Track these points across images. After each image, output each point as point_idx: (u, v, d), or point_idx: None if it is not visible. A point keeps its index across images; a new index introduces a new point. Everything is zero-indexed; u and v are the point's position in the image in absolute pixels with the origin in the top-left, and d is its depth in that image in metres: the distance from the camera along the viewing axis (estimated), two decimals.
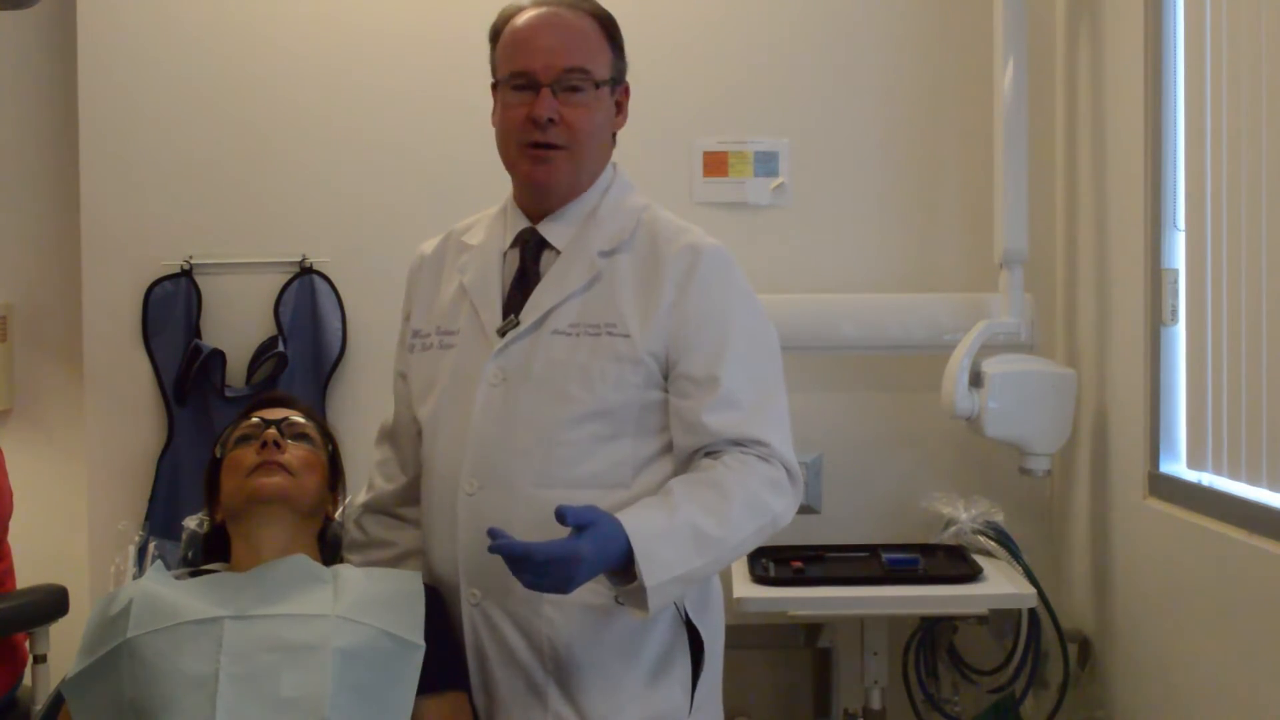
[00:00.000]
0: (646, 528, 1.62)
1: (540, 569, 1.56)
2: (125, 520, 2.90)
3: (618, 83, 1.87)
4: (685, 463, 1.78)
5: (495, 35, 1.86)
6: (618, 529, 1.60)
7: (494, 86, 1.86)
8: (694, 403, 1.75)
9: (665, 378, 1.79)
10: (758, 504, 1.72)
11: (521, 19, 1.82)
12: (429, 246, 2.00)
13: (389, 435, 2.01)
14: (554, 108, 1.77)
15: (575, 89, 1.79)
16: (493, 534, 1.57)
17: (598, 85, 1.81)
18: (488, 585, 1.76)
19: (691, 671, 1.81)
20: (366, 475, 2.05)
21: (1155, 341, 2.51)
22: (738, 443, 1.74)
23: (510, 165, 1.86)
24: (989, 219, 2.93)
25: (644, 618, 1.67)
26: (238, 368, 3.06)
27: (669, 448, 1.80)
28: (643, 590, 1.60)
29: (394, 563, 1.95)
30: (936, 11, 3.07)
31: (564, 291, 1.80)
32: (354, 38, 3.07)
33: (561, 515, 1.56)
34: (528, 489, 1.74)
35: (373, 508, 2.00)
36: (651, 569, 1.60)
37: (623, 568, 1.61)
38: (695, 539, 1.65)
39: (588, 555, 1.57)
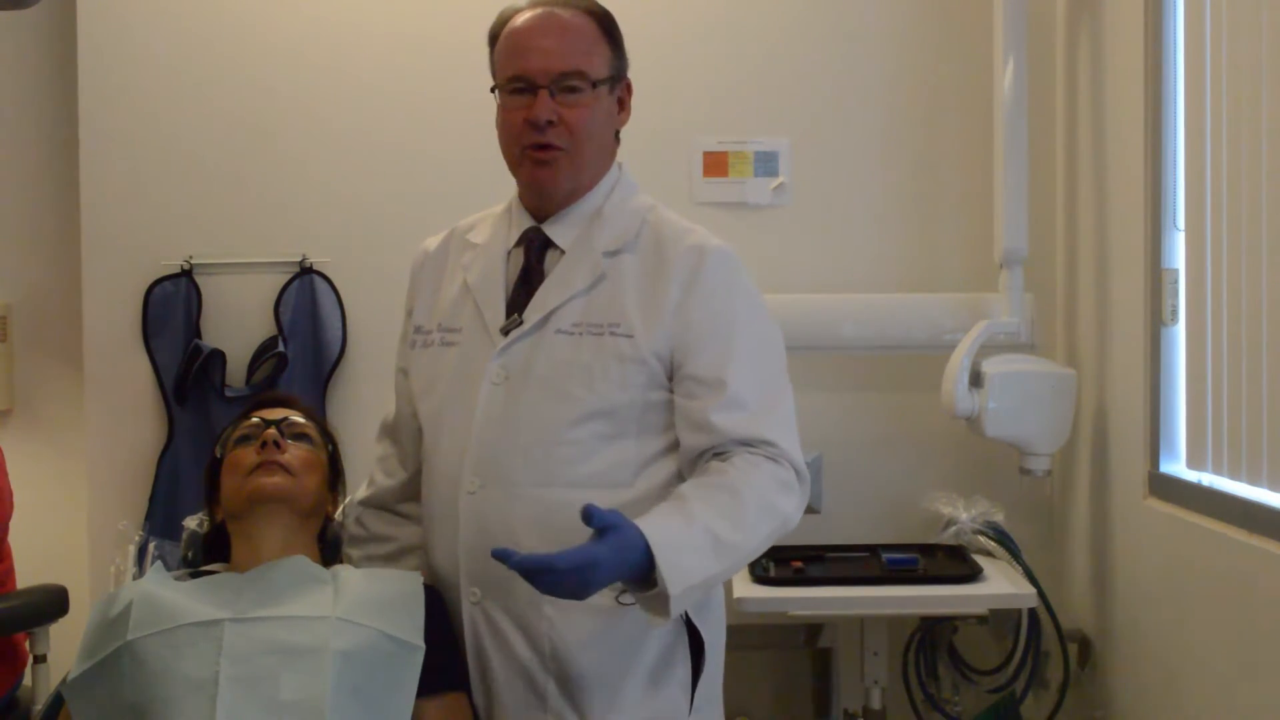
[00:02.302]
0: (667, 536, 1.59)
1: (560, 575, 1.52)
2: (125, 520, 2.89)
3: (618, 80, 1.86)
4: (692, 463, 1.77)
5: (493, 39, 1.86)
6: (638, 537, 1.56)
7: (494, 90, 1.86)
8: (702, 403, 1.75)
9: (669, 378, 1.79)
10: (769, 507, 1.71)
11: (518, 21, 1.82)
12: (432, 243, 1.99)
13: (389, 431, 2.01)
14: (552, 109, 1.77)
15: (573, 89, 1.78)
16: (503, 555, 1.51)
17: (595, 85, 1.80)
18: (488, 584, 1.76)
19: (692, 672, 1.81)
20: (367, 472, 2.05)
21: (1155, 341, 2.51)
22: (746, 443, 1.73)
23: (513, 167, 1.85)
24: (989, 219, 2.93)
25: (663, 624, 1.64)
26: (238, 368, 3.06)
27: (671, 448, 1.80)
28: (665, 598, 1.57)
29: (392, 558, 1.96)
30: (936, 11, 3.07)
31: (568, 291, 1.80)
32: (354, 38, 3.07)
33: (588, 515, 1.53)
34: (529, 488, 1.74)
35: (372, 503, 2.01)
36: (674, 577, 1.57)
37: (641, 575, 1.59)
38: (714, 545, 1.63)
39: (606, 562, 1.53)
